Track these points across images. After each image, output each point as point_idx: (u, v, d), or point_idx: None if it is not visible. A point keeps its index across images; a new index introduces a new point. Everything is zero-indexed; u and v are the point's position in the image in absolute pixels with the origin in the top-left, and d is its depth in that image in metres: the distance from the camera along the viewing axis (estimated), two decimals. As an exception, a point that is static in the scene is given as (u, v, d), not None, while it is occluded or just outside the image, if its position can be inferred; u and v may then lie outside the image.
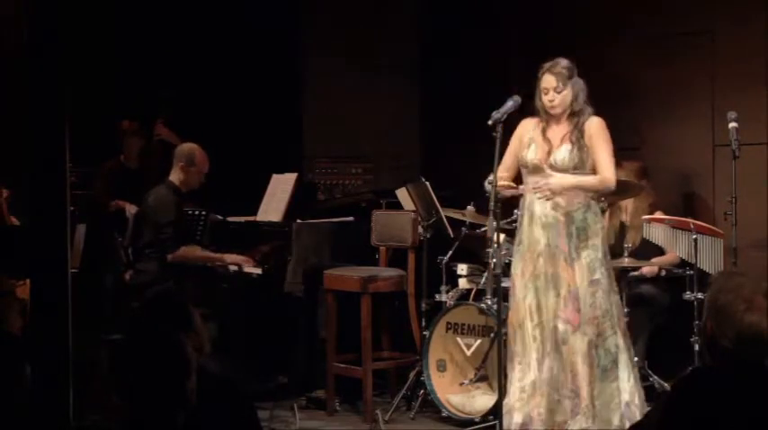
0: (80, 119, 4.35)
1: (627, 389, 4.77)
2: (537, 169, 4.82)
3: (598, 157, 4.79)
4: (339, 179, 7.58)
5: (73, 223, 5.26)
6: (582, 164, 4.75)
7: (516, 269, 4.88)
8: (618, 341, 4.80)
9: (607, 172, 4.79)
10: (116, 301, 6.03)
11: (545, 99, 4.82)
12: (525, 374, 4.78)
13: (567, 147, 4.77)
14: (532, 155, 4.82)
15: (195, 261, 5.95)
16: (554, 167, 4.76)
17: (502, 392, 4.77)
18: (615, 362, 4.76)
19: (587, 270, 4.74)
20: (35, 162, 3.75)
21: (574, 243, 4.75)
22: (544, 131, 4.84)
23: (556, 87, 4.79)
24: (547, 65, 4.85)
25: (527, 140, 4.87)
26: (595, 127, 4.82)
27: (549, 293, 4.75)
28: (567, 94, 4.80)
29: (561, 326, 4.72)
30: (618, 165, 5.87)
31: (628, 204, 6.06)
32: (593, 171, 4.81)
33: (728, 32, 6.25)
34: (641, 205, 6.04)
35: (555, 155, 4.76)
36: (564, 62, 4.83)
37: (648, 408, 5.08)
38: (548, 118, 4.85)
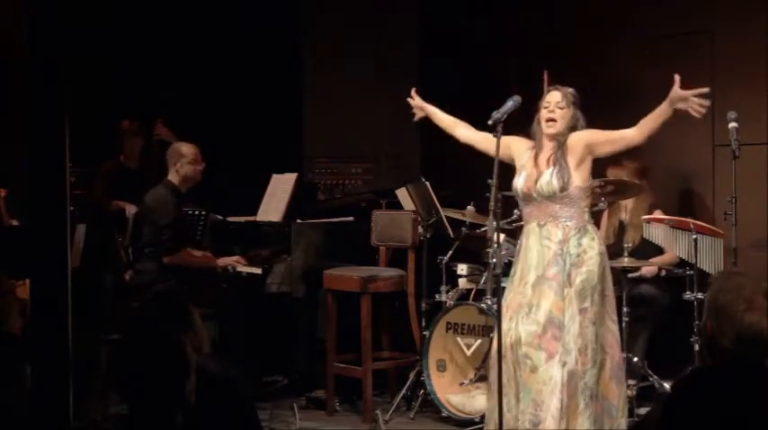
0: (80, 119, 4.35)
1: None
2: (527, 197, 4.72)
3: (609, 134, 4.68)
4: (339, 179, 7.58)
5: (73, 223, 5.25)
6: (566, 185, 4.63)
7: (506, 300, 4.72)
8: (595, 374, 4.63)
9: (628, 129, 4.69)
10: (116, 301, 6.03)
11: (545, 114, 4.72)
12: (512, 406, 4.64)
13: (549, 170, 4.66)
14: (522, 183, 4.72)
15: (190, 265, 5.94)
16: (540, 194, 4.65)
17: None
18: (592, 397, 4.61)
19: (578, 298, 4.60)
20: (35, 162, 3.75)
21: (567, 270, 4.62)
22: (535, 158, 4.73)
23: (559, 103, 4.70)
24: (554, 86, 4.82)
25: (517, 159, 4.78)
26: (582, 133, 4.71)
27: (528, 322, 4.60)
28: (567, 114, 4.70)
29: (534, 353, 4.56)
30: (618, 164, 5.92)
31: (627, 204, 6.06)
32: (578, 190, 4.67)
33: (728, 32, 6.25)
34: (641, 205, 6.05)
35: (540, 181, 4.66)
36: (572, 89, 4.79)
37: (648, 409, 5.11)
38: (539, 143, 4.75)
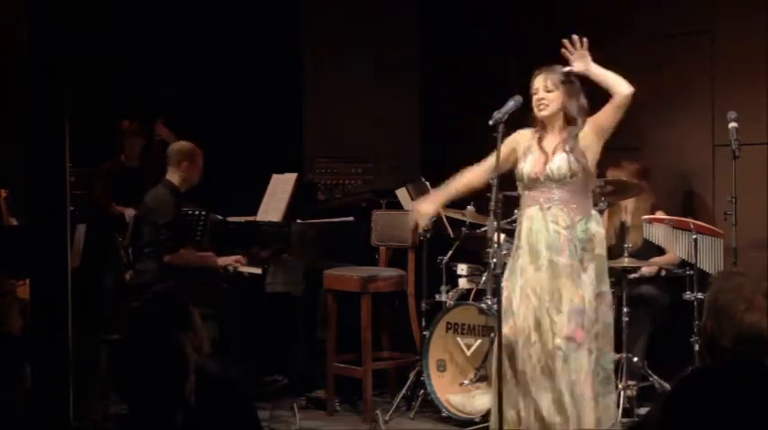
0: (80, 119, 4.36)
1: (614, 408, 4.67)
2: (533, 182, 4.66)
3: (603, 109, 4.71)
4: (339, 179, 7.58)
5: (73, 223, 5.25)
6: (578, 172, 4.61)
7: (513, 280, 4.65)
8: (611, 357, 4.68)
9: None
10: (116, 301, 6.03)
11: (534, 99, 4.71)
12: (518, 398, 4.60)
13: (562, 156, 4.62)
14: (529, 167, 4.66)
15: (191, 264, 5.94)
16: (551, 178, 4.61)
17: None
18: (609, 379, 4.63)
19: (595, 282, 4.59)
20: (35, 162, 3.76)
21: (579, 256, 4.58)
22: (539, 141, 4.70)
23: (545, 86, 4.70)
24: (541, 68, 4.81)
25: (522, 152, 4.73)
26: (589, 121, 4.71)
27: (550, 310, 4.54)
28: (558, 95, 4.68)
29: (563, 344, 4.51)
30: (618, 165, 5.91)
31: (628, 204, 6.05)
32: (585, 176, 4.65)
33: (728, 32, 6.24)
34: (642, 205, 6.04)
35: (551, 165, 4.61)
36: (559, 67, 4.75)
37: (648, 409, 5.11)
38: (542, 128, 4.73)
